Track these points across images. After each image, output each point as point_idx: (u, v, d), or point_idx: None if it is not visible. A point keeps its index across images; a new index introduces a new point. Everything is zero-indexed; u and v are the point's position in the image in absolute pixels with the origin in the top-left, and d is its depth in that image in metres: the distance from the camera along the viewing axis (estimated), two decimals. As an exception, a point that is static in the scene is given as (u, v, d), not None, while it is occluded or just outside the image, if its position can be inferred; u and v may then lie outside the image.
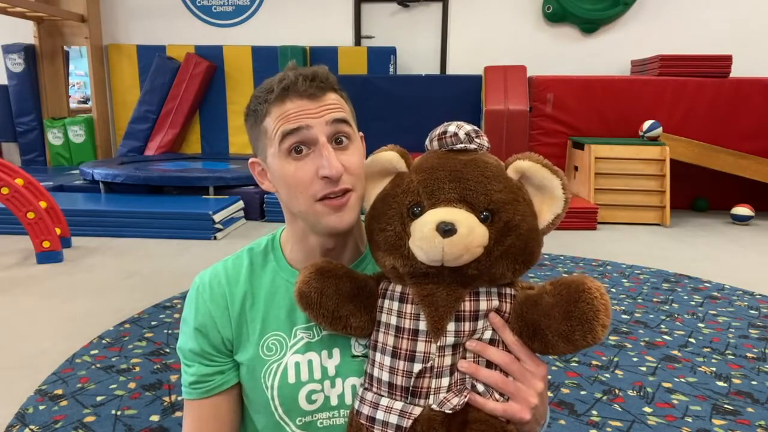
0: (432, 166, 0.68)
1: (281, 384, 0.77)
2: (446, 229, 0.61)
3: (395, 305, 0.70)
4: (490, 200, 0.65)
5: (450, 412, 0.64)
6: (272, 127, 0.73)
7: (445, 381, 0.66)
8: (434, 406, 0.65)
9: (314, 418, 0.77)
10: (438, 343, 0.66)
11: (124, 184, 5.09)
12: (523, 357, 0.68)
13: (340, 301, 0.72)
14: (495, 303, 0.68)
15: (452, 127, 0.69)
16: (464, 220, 0.62)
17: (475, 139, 0.68)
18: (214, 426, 0.81)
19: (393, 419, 0.66)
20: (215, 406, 0.81)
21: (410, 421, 0.65)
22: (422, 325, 0.67)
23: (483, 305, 0.67)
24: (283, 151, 0.73)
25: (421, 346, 0.67)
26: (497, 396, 0.67)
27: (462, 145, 0.68)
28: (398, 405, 0.67)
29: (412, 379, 0.66)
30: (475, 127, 0.70)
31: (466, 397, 0.65)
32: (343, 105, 0.75)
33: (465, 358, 0.67)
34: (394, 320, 0.69)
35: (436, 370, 0.66)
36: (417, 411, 0.66)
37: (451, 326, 0.66)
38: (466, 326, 0.66)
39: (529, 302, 0.67)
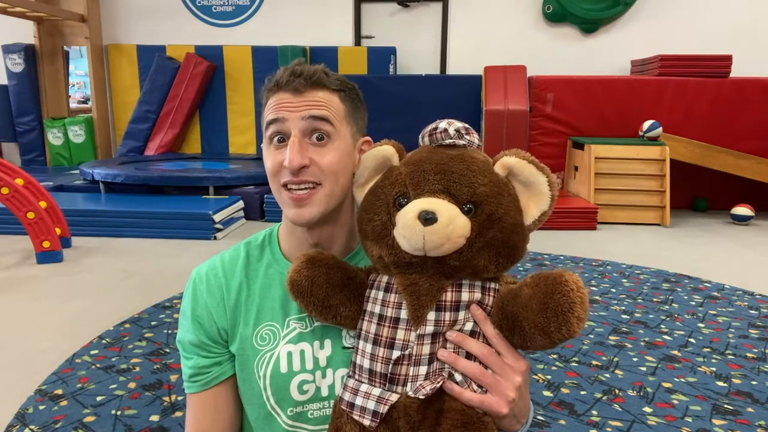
0: (420, 159, 0.70)
1: (273, 373, 0.78)
2: (427, 218, 0.63)
3: (380, 294, 0.71)
4: (473, 193, 0.66)
5: (423, 397, 0.65)
6: (264, 115, 0.79)
7: (423, 369, 0.67)
8: (410, 393, 0.66)
9: (305, 409, 0.79)
10: (417, 332, 0.67)
11: (124, 184, 5.09)
12: (502, 350, 0.68)
13: (330, 290, 0.73)
14: (477, 295, 0.69)
15: (443, 124, 0.70)
16: (445, 209, 0.64)
17: (465, 136, 0.70)
18: (213, 417, 0.83)
19: (371, 405, 0.67)
20: (214, 398, 0.83)
21: (387, 407, 0.66)
22: (404, 314, 0.68)
23: (465, 296, 0.68)
24: (267, 138, 0.78)
25: (400, 334, 0.68)
26: (475, 387, 0.67)
27: (451, 141, 0.70)
28: (377, 391, 0.68)
29: (390, 366, 0.68)
30: (466, 125, 0.71)
31: (439, 383, 0.66)
32: (329, 104, 0.77)
33: (445, 348, 0.68)
34: (377, 309, 0.71)
35: (414, 358, 0.67)
36: (394, 398, 0.67)
37: (431, 315, 0.67)
38: (447, 316, 0.67)
39: (510, 295, 0.68)
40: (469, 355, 0.68)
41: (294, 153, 0.73)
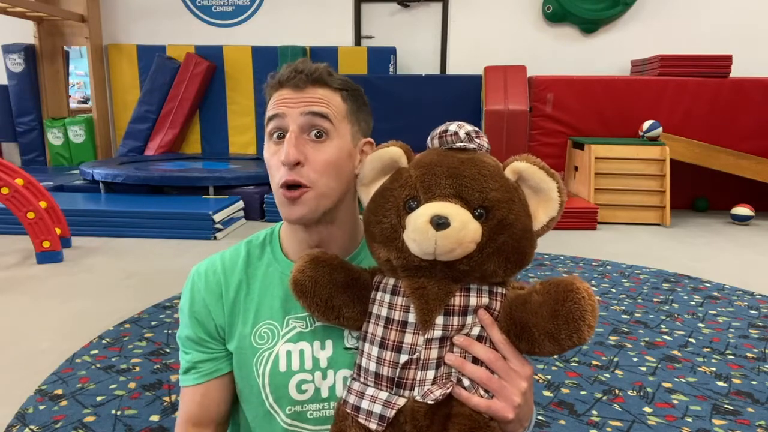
0: (430, 162, 0.69)
1: (272, 372, 0.78)
2: (439, 222, 0.62)
3: (387, 297, 0.71)
4: (485, 198, 0.66)
5: (432, 403, 0.65)
6: (266, 112, 0.80)
7: (430, 374, 0.67)
8: (418, 398, 0.66)
9: (304, 409, 0.78)
10: (425, 336, 0.67)
11: (124, 184, 5.09)
12: (509, 356, 0.68)
13: (333, 290, 0.73)
14: (485, 300, 0.68)
15: (453, 126, 0.70)
16: (457, 214, 0.63)
17: (475, 139, 0.70)
18: (197, 411, 0.83)
19: (377, 409, 0.67)
20: (203, 394, 0.83)
21: (394, 412, 0.66)
22: (411, 318, 0.68)
23: (473, 301, 0.68)
24: (268, 134, 0.79)
25: (408, 338, 0.67)
26: (482, 392, 0.67)
27: (462, 144, 0.69)
28: (383, 395, 0.68)
29: (398, 370, 0.67)
30: (476, 128, 0.71)
31: (449, 388, 0.65)
32: (330, 102, 0.77)
33: (452, 352, 0.67)
34: (384, 312, 0.70)
35: (422, 362, 0.67)
36: (401, 402, 0.66)
37: (439, 320, 0.67)
38: (455, 321, 0.67)
39: (519, 301, 0.68)
40: (475, 360, 0.67)
41: (290, 147, 0.73)
